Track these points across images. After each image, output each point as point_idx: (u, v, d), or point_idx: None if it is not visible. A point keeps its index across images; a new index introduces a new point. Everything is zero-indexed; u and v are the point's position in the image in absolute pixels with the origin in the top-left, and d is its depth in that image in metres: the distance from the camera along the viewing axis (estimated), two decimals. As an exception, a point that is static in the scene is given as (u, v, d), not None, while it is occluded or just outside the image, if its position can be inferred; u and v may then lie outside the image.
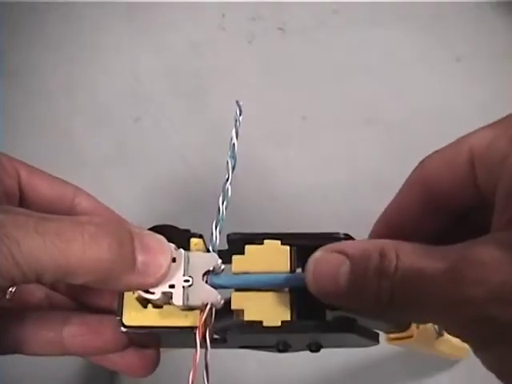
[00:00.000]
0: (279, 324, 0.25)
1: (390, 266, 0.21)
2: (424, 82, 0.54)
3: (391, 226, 0.27)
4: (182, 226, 0.27)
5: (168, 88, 0.55)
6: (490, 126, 0.24)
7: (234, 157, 0.27)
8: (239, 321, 0.26)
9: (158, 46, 0.57)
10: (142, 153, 0.53)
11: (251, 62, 0.56)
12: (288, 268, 0.26)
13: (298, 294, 0.26)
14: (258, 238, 0.27)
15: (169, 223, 0.27)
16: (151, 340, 0.28)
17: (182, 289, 0.26)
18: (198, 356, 0.25)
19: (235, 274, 0.26)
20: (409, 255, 0.21)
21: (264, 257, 0.26)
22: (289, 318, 0.26)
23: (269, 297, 0.26)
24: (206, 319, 0.26)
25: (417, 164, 0.26)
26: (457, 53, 0.55)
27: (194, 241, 0.27)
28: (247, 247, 0.27)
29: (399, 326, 0.32)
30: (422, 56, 0.56)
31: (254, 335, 0.26)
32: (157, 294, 0.26)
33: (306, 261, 0.27)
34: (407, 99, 0.54)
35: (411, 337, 0.33)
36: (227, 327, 0.26)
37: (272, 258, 0.26)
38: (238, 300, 0.26)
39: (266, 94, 0.54)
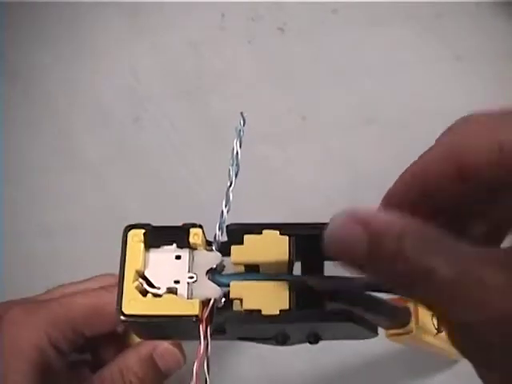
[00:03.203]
0: (278, 312, 0.26)
1: (402, 253, 0.19)
2: (424, 81, 0.54)
3: (411, 190, 0.24)
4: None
5: (168, 88, 0.55)
6: None
7: (237, 164, 0.28)
8: (238, 311, 0.26)
9: (157, 46, 0.57)
10: (142, 153, 0.53)
11: (251, 61, 0.56)
12: (287, 257, 0.26)
13: (297, 284, 0.26)
14: (256, 228, 0.27)
15: (168, 223, 0.28)
16: (149, 330, 0.28)
17: (186, 284, 0.26)
18: (202, 348, 0.26)
19: (234, 263, 0.27)
20: (421, 244, 0.20)
21: (263, 246, 0.27)
22: (287, 307, 0.26)
23: (268, 286, 0.26)
24: (208, 315, 0.26)
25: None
26: (457, 52, 0.55)
27: (193, 231, 0.27)
28: (246, 237, 0.27)
29: (399, 322, 0.32)
30: (422, 56, 0.56)
31: (253, 325, 0.27)
32: (162, 289, 0.26)
33: (304, 250, 0.27)
34: (407, 99, 0.54)
35: (410, 332, 0.33)
36: (226, 317, 0.27)
37: (271, 247, 0.27)
38: (237, 289, 0.26)
39: (265, 93, 0.54)
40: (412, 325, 0.33)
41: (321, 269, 0.29)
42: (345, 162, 0.52)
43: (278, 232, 0.27)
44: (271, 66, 0.56)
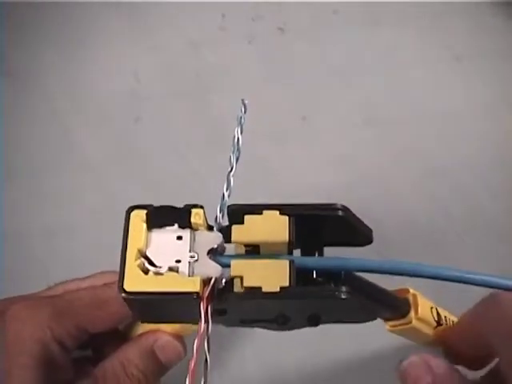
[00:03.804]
0: (278, 290, 0.26)
1: None
2: (424, 81, 0.54)
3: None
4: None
5: (168, 88, 0.55)
6: None
7: (238, 150, 0.28)
8: (239, 291, 0.27)
9: (158, 46, 0.57)
10: (142, 153, 0.53)
11: (251, 62, 0.56)
12: (287, 237, 0.27)
13: (297, 264, 0.27)
14: (257, 209, 0.27)
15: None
16: (150, 310, 0.28)
17: (187, 263, 0.27)
18: (202, 326, 0.26)
19: (235, 243, 0.27)
20: None
21: (263, 226, 0.27)
22: (287, 284, 0.26)
23: (268, 264, 0.27)
24: (209, 293, 0.26)
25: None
26: (457, 53, 0.55)
27: (194, 211, 0.27)
28: (246, 217, 0.27)
29: (397, 312, 0.32)
30: (422, 56, 0.56)
31: (254, 303, 0.27)
32: (163, 268, 0.27)
33: (303, 230, 0.27)
34: (407, 99, 0.54)
35: (410, 323, 0.33)
36: (227, 296, 0.27)
37: (271, 227, 0.27)
38: (238, 267, 0.27)
39: (265, 93, 0.54)
40: (411, 315, 0.33)
41: (321, 254, 0.29)
42: (345, 162, 0.52)
43: (277, 212, 0.27)
44: (271, 65, 0.56)
